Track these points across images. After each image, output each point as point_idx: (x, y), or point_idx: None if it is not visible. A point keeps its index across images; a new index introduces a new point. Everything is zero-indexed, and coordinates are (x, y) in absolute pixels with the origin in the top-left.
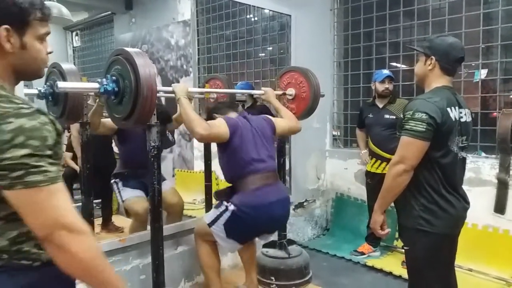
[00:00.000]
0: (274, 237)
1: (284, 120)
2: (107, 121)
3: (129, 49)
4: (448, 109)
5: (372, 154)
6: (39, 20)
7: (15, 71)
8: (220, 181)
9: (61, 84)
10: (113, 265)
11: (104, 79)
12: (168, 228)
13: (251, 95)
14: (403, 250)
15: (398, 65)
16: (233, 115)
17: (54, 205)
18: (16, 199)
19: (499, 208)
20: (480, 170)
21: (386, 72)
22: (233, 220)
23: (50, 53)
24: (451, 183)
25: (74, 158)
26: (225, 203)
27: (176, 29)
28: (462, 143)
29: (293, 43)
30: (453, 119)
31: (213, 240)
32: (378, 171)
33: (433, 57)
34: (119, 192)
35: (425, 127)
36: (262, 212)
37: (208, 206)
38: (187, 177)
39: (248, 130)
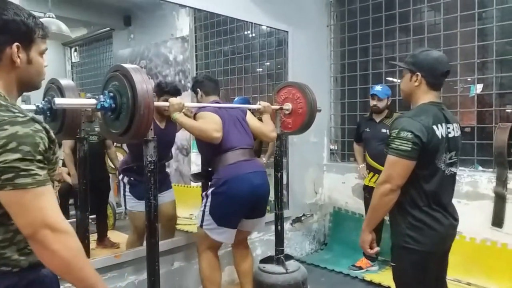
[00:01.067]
0: (271, 252)
1: (259, 122)
2: None
3: (126, 65)
4: (434, 126)
5: (370, 168)
6: (41, 38)
7: (19, 84)
8: None
9: (58, 101)
10: (108, 281)
11: (101, 96)
12: (164, 244)
13: None
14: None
15: (394, 80)
16: (212, 98)
17: (39, 206)
18: (6, 199)
19: (497, 221)
20: (478, 184)
21: (374, 89)
22: (216, 201)
23: (45, 66)
24: (438, 201)
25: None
26: (204, 196)
27: (175, 45)
28: (450, 159)
29: (290, 58)
30: (440, 136)
31: (213, 245)
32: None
33: (418, 73)
34: (124, 197)
35: (410, 146)
36: (241, 182)
37: None
38: (184, 192)
39: (224, 113)
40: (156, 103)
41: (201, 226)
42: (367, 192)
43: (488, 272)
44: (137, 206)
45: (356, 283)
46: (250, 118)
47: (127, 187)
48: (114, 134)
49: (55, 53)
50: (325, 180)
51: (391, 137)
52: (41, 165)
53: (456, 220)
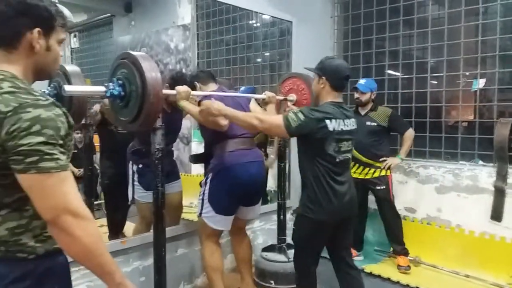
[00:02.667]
0: (273, 241)
1: (263, 112)
2: None
3: (135, 53)
4: (327, 121)
5: (354, 160)
6: (61, 26)
7: (35, 71)
8: None
9: (68, 88)
10: None
11: (110, 83)
12: (168, 231)
13: None
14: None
15: (394, 72)
16: (213, 86)
17: (62, 191)
18: (29, 183)
19: (496, 215)
20: (478, 178)
21: (358, 83)
22: (214, 188)
23: (61, 56)
24: (333, 179)
25: (72, 160)
26: (202, 184)
27: (176, 33)
28: (343, 148)
29: (294, 49)
30: (331, 129)
31: (213, 233)
32: (361, 176)
33: (323, 77)
34: (133, 186)
35: (295, 122)
36: (238, 170)
37: None
38: (185, 181)
39: (229, 100)
40: (164, 91)
41: (200, 215)
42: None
43: (486, 265)
44: (145, 196)
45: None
46: (254, 107)
47: (136, 176)
48: (123, 122)
49: None
50: None
51: (294, 111)
52: (62, 149)
53: (348, 192)
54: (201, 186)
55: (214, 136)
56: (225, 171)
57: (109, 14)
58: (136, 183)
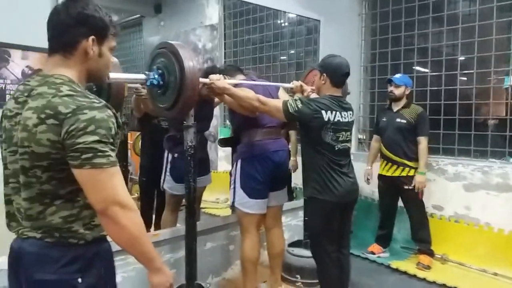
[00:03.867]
0: (299, 236)
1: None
2: None
3: (174, 42)
4: (323, 111)
5: (383, 157)
6: (113, 35)
7: (88, 75)
8: None
9: (112, 75)
10: None
11: (151, 72)
12: (198, 225)
13: None
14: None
15: (423, 69)
16: (241, 77)
17: (112, 184)
18: (83, 177)
19: None
20: (508, 176)
21: (393, 76)
22: (244, 173)
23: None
24: (337, 165)
25: None
26: (232, 173)
27: (204, 32)
28: (341, 138)
29: (321, 47)
30: (326, 119)
31: (251, 220)
32: (389, 173)
33: (324, 73)
34: (165, 174)
35: (292, 108)
36: (264, 159)
37: None
38: (212, 177)
39: (259, 89)
40: (201, 80)
41: (233, 204)
42: (381, 180)
43: None
44: (174, 187)
45: (382, 269)
46: (282, 95)
47: (169, 166)
48: (160, 108)
49: None
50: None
51: (294, 98)
52: (113, 147)
53: (351, 177)
54: (230, 175)
55: (242, 123)
56: (252, 159)
57: (139, 15)
58: (168, 172)
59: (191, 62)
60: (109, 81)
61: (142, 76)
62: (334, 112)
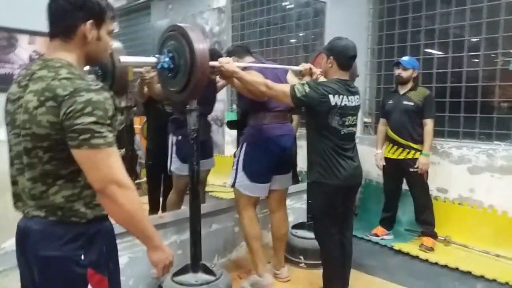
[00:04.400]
0: (303, 219)
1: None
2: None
3: (184, 25)
4: (330, 96)
5: (389, 140)
6: (111, 19)
7: (87, 58)
8: None
9: (123, 59)
10: None
11: (161, 56)
12: (204, 207)
13: None
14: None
15: (433, 51)
16: (249, 59)
17: (109, 164)
18: (81, 157)
19: None
20: None
21: (401, 59)
22: (248, 157)
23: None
24: (342, 149)
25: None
26: (235, 155)
27: (211, 16)
28: (347, 123)
29: (327, 29)
30: (333, 103)
31: (249, 201)
32: (394, 156)
33: (331, 56)
34: (171, 157)
35: (300, 93)
36: (270, 143)
37: None
38: (218, 161)
39: (268, 72)
40: (210, 63)
41: (233, 184)
42: (387, 163)
43: None
44: (180, 168)
45: (385, 251)
46: (291, 79)
47: (174, 148)
48: (170, 92)
49: None
50: (358, 152)
51: (301, 82)
52: (110, 128)
53: (355, 161)
54: (234, 156)
55: (250, 106)
56: (259, 142)
57: None
58: (174, 154)
59: (201, 45)
60: (120, 64)
61: (152, 60)
62: (341, 96)
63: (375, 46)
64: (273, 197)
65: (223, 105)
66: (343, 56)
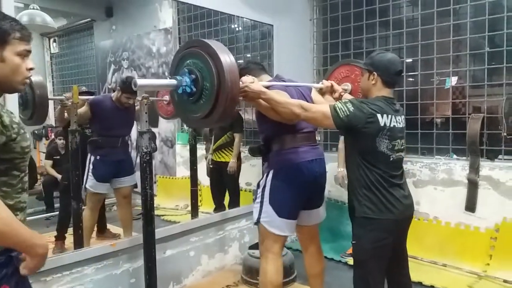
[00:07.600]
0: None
1: (323, 100)
2: (82, 111)
3: (210, 42)
4: (378, 115)
5: None
6: (19, 39)
7: None
8: (203, 187)
9: (140, 82)
10: (104, 269)
11: (183, 78)
12: (157, 232)
13: None
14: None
15: None
16: (266, 77)
17: None
18: None
19: (470, 206)
20: (452, 171)
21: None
22: (275, 187)
23: (31, 69)
24: (388, 180)
25: (54, 166)
26: (259, 185)
27: (158, 36)
28: (396, 147)
29: (275, 51)
30: (382, 124)
31: (276, 240)
32: None
33: (375, 72)
34: (87, 175)
35: (344, 113)
36: (303, 169)
37: (194, 210)
38: (170, 184)
39: (292, 90)
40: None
41: (258, 221)
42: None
43: (462, 254)
44: (95, 186)
45: (340, 267)
46: (316, 97)
47: (91, 166)
48: (191, 118)
49: (34, 43)
50: None
51: (343, 101)
52: None
53: (405, 190)
54: (258, 187)
55: (275, 129)
56: (288, 169)
57: (89, 19)
58: (90, 173)
59: (232, 67)
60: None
61: (173, 82)
62: (389, 116)
63: (321, 67)
64: (305, 234)
65: (173, 126)
66: (389, 72)
